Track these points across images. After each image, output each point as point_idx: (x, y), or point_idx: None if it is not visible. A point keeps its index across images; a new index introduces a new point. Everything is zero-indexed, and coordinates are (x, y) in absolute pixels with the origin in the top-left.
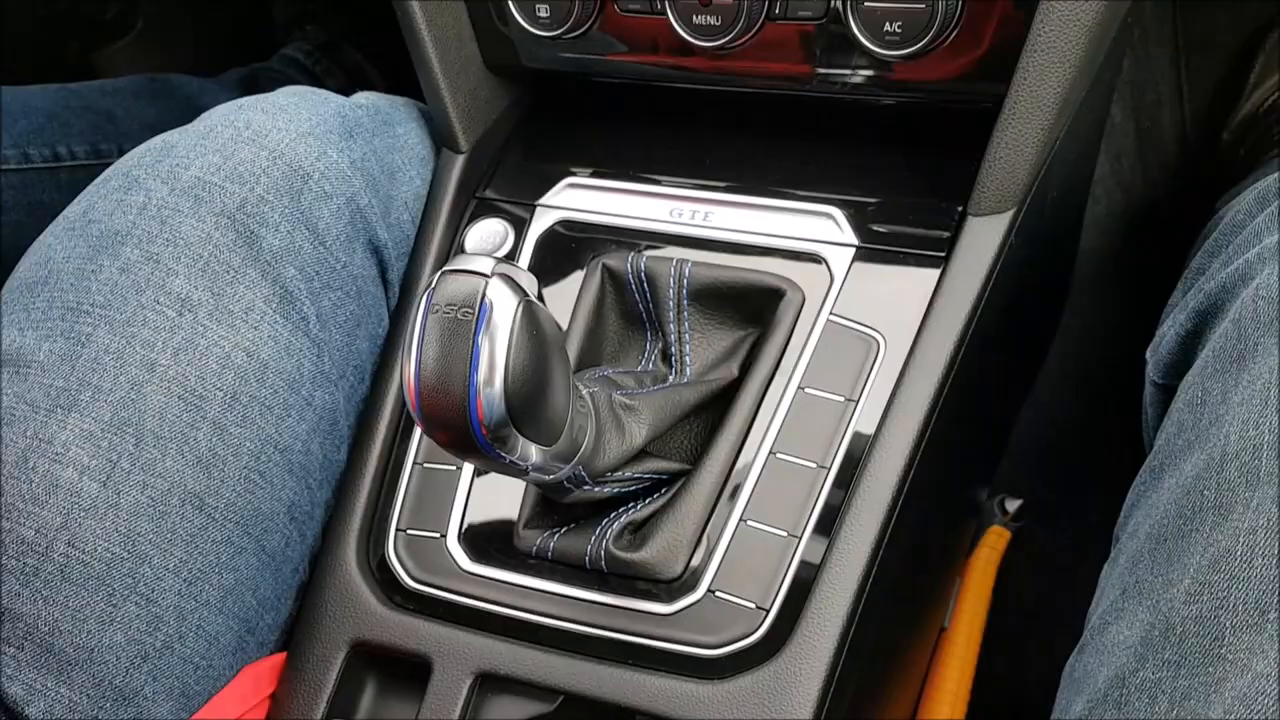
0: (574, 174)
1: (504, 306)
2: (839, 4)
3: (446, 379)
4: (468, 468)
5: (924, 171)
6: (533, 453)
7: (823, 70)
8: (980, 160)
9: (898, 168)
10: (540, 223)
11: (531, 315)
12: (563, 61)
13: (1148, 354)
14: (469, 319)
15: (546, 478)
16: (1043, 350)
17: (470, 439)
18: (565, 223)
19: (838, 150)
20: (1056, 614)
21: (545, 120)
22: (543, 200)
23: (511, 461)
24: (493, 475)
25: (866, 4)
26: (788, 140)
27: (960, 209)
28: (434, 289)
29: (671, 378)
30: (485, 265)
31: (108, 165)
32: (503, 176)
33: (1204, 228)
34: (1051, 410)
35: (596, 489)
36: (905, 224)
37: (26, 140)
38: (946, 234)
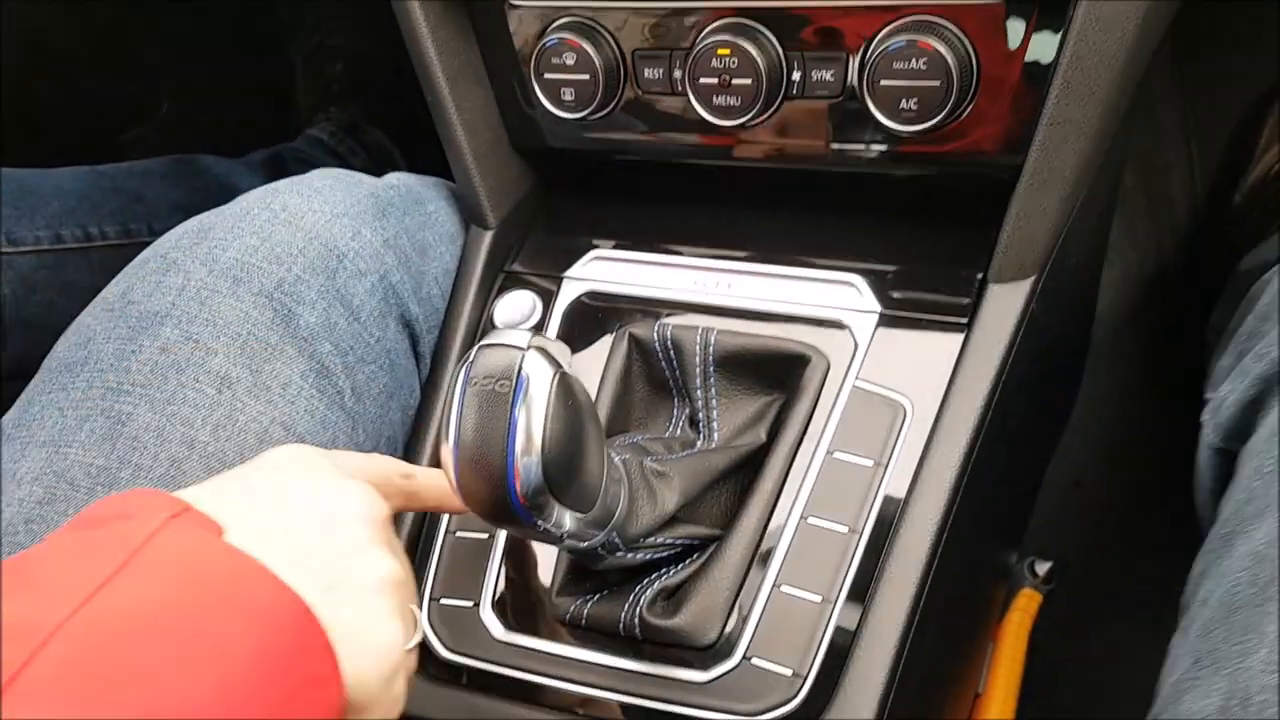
0: (599, 247)
1: (540, 379)
2: (855, 82)
3: (485, 449)
4: (500, 536)
5: (941, 239)
6: (568, 520)
7: (839, 146)
8: (998, 228)
9: (915, 236)
10: (567, 294)
11: (566, 386)
12: (587, 141)
13: (1204, 417)
14: (506, 391)
15: (581, 544)
16: (1066, 412)
17: (508, 507)
18: (591, 294)
19: (855, 220)
20: (1085, 676)
21: (569, 196)
22: (569, 272)
23: (548, 529)
24: (525, 543)
25: (883, 83)
26: (805, 211)
27: (980, 276)
28: (472, 362)
29: (700, 443)
30: (521, 339)
31: (138, 245)
32: (530, 250)
33: (1227, 283)
34: (1072, 472)
35: (629, 555)
36: (926, 291)
37: (59, 221)
38: (968, 301)
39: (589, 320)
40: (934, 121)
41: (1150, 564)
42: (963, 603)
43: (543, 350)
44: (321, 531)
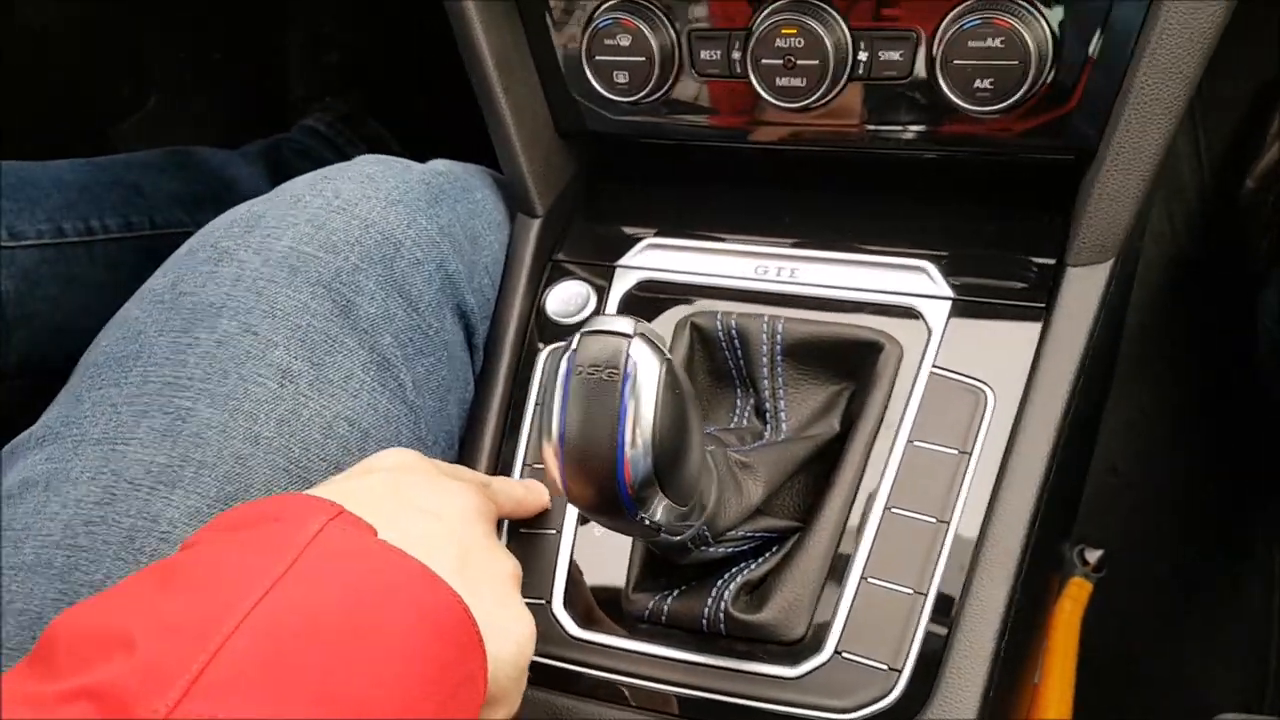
0: (652, 234)
1: (649, 367)
2: (927, 62)
3: (593, 440)
4: (568, 531)
5: (1007, 222)
6: (665, 513)
7: (906, 127)
8: (1064, 210)
9: (980, 218)
10: (621, 283)
11: (674, 375)
12: (638, 126)
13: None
14: (614, 380)
15: (674, 538)
16: (1105, 395)
17: (615, 500)
18: (647, 283)
19: (917, 202)
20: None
21: (616, 182)
22: (623, 261)
23: (648, 522)
24: (594, 538)
25: (956, 62)
26: (864, 194)
27: (1054, 261)
28: (575, 350)
29: (768, 434)
30: (627, 325)
31: (140, 238)
32: (578, 239)
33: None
34: (1107, 457)
35: (714, 549)
36: (999, 276)
37: (60, 214)
38: (1043, 285)
39: (645, 310)
40: (1010, 101)
41: (1192, 548)
42: (1034, 594)
43: (648, 337)
44: (450, 530)
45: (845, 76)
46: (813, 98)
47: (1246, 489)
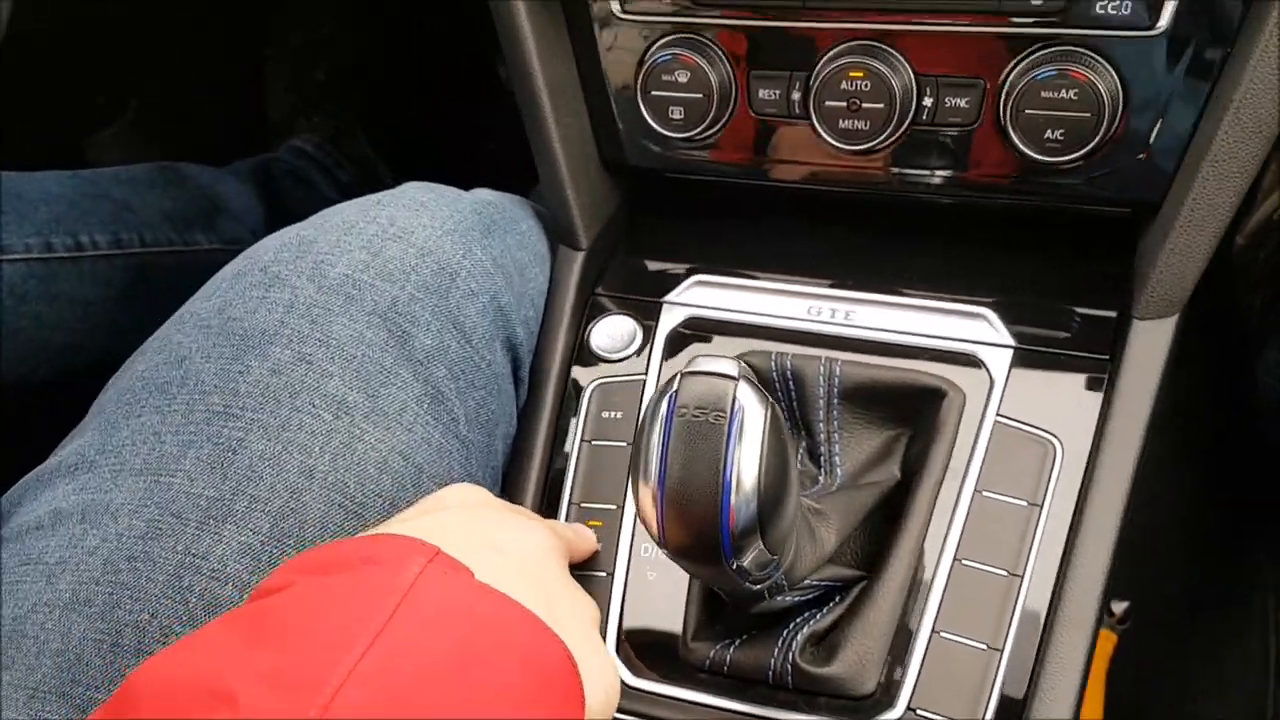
0: (701, 270)
1: (755, 411)
2: (996, 110)
3: (696, 484)
4: (619, 575)
5: (1066, 270)
6: (754, 560)
7: (967, 174)
8: (1123, 259)
9: (1040, 266)
10: (669, 320)
11: (777, 420)
12: (689, 162)
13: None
14: (720, 423)
15: (754, 587)
16: None
17: (715, 547)
18: (695, 320)
19: (975, 248)
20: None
21: (655, 216)
22: (670, 297)
23: (742, 570)
24: (647, 583)
25: (1028, 111)
26: (921, 238)
27: (1115, 313)
28: (678, 391)
29: (822, 478)
30: (731, 368)
31: (129, 255)
32: (620, 273)
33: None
34: None
35: (784, 597)
36: (1060, 326)
37: (49, 228)
38: (1107, 337)
39: (694, 348)
40: (1081, 152)
41: (1197, 567)
42: None
43: (752, 381)
44: (534, 569)
45: (909, 121)
46: (875, 141)
47: (1245, 515)
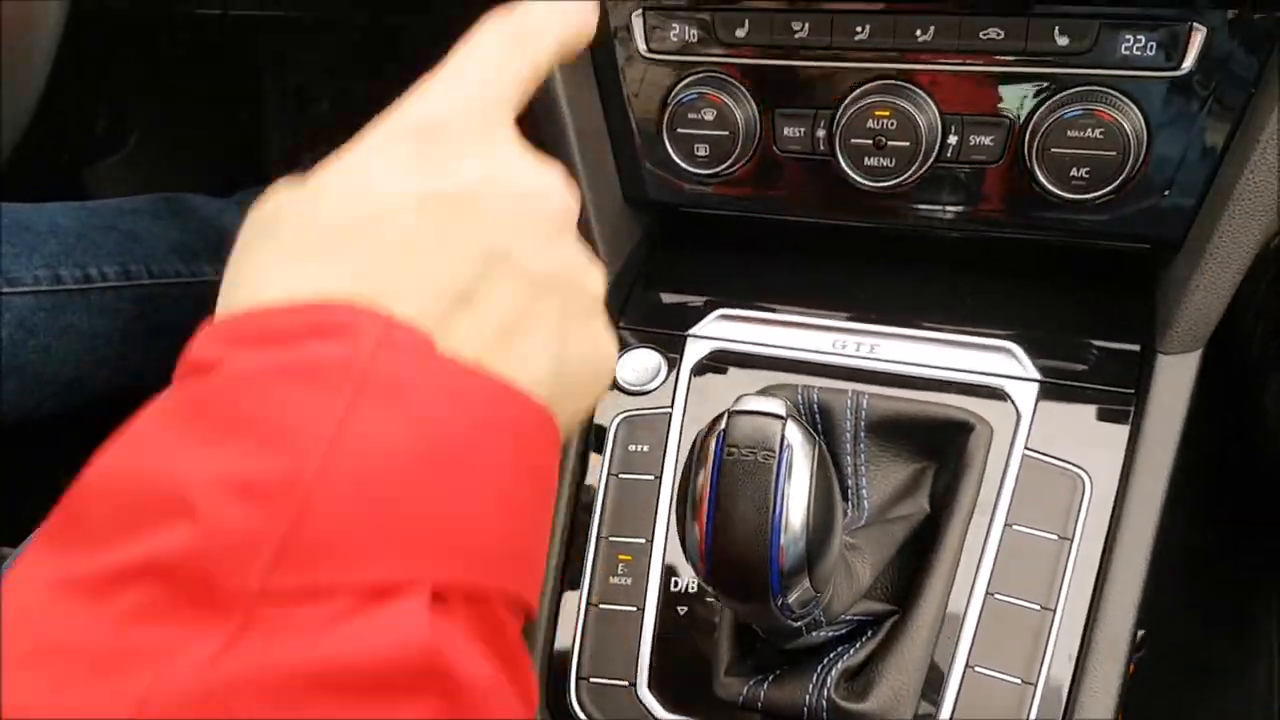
0: (724, 304)
1: (803, 450)
2: (1022, 148)
3: (746, 523)
4: (650, 608)
5: (1089, 304)
6: (798, 598)
7: (992, 210)
8: (1145, 293)
9: (1063, 300)
10: (693, 353)
11: (824, 459)
12: (714, 198)
13: None
14: (769, 462)
15: (794, 623)
16: None
17: (765, 585)
18: (720, 353)
19: (998, 282)
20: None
21: (679, 250)
22: (694, 331)
23: (788, 608)
24: (676, 617)
25: (1054, 150)
26: (944, 272)
27: (1139, 346)
28: (726, 430)
29: (849, 511)
30: (778, 407)
31: (138, 287)
32: (645, 307)
33: None
34: None
35: (821, 633)
36: (1085, 360)
37: (58, 260)
38: (1132, 371)
39: (720, 382)
40: (1106, 190)
41: (1211, 618)
42: None
43: (799, 420)
44: (510, 315)
45: (934, 159)
46: (900, 179)
47: (1248, 537)
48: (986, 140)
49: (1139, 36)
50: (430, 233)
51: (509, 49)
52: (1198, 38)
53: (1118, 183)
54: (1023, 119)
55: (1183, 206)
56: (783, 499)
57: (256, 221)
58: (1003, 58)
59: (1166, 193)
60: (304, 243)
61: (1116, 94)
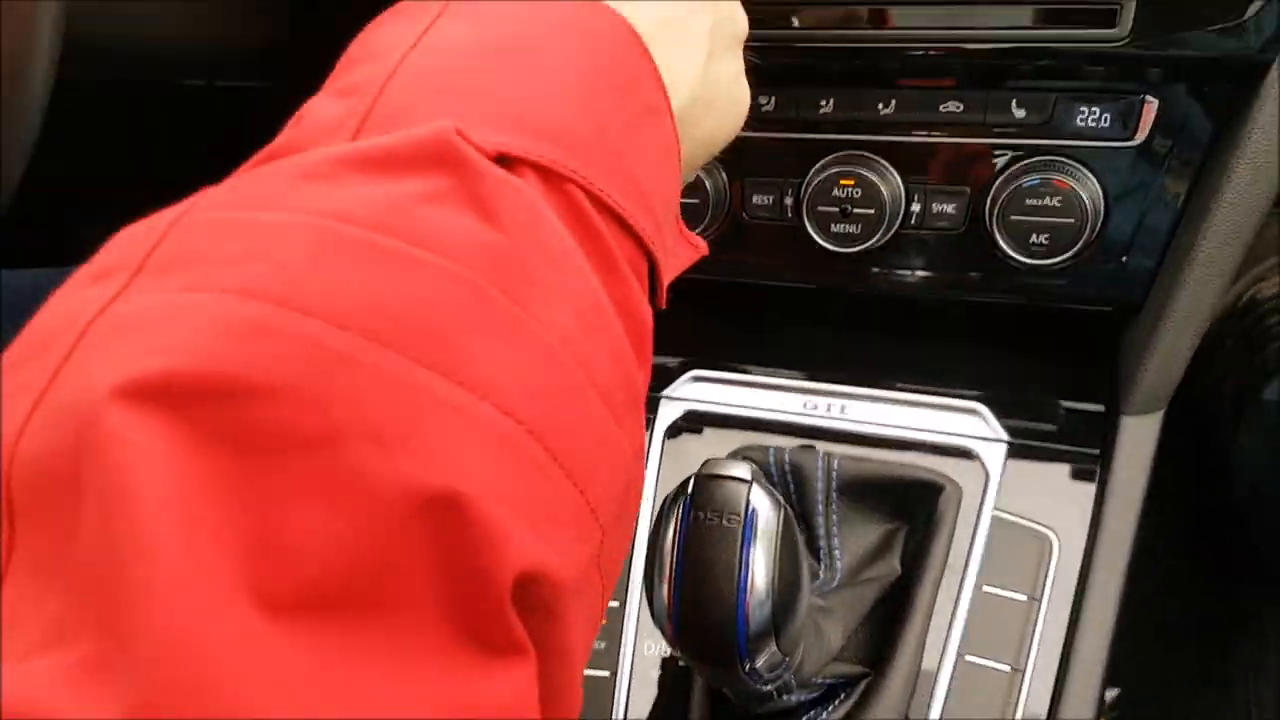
0: (697, 365)
1: (768, 514)
2: (982, 215)
3: (712, 587)
4: (624, 672)
5: (1051, 366)
6: (766, 662)
7: (954, 275)
8: (1107, 354)
9: (1023, 362)
10: (667, 414)
11: (790, 524)
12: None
13: None
14: (735, 526)
15: (763, 688)
16: None
17: (731, 649)
18: (693, 414)
19: (957, 344)
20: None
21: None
22: (668, 392)
23: (755, 672)
24: (649, 680)
25: (1014, 217)
26: (910, 335)
27: (1103, 407)
28: (692, 494)
29: (822, 572)
30: (744, 471)
31: None
32: None
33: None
34: None
35: (792, 696)
36: (1053, 420)
37: None
38: (1097, 431)
39: (692, 442)
40: (1065, 256)
41: (1185, 675)
42: None
43: (764, 484)
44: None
45: (898, 225)
46: (865, 244)
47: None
48: (949, 208)
49: (1094, 109)
50: None
51: None
52: (1151, 110)
53: (1076, 249)
54: (983, 187)
55: (1142, 270)
56: (748, 563)
57: None
58: (964, 129)
59: (1125, 258)
60: None
61: (1073, 163)
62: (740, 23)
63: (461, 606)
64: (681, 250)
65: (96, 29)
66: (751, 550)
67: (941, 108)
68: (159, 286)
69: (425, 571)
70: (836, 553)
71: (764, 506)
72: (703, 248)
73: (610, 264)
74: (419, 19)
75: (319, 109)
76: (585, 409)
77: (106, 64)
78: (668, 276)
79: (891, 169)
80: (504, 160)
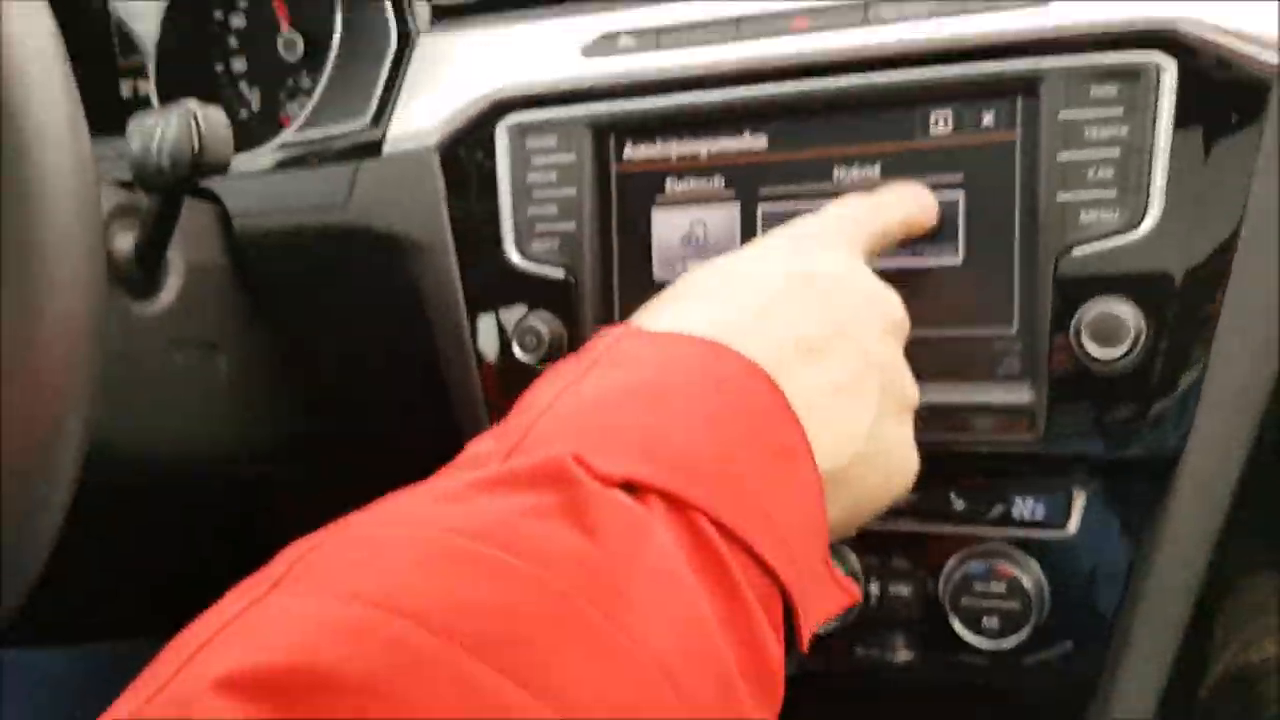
0: None
1: None
2: (936, 598)
3: None
4: None
5: None
6: None
7: (914, 657)
8: None
9: None
10: None
11: None
12: None
13: None
14: None
15: None
16: None
17: None
18: None
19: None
20: None
21: None
22: None
23: None
24: None
25: (965, 601)
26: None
27: None
28: None
29: None
30: None
31: None
32: None
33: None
34: None
35: None
36: None
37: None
38: None
39: None
40: (1017, 639)
41: None
42: None
43: None
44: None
45: (858, 611)
46: (833, 626)
47: None
48: (904, 591)
49: (1027, 499)
50: (788, 297)
51: (867, 208)
52: (1080, 499)
53: (1026, 632)
54: (936, 574)
55: (1094, 650)
56: None
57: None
58: (912, 520)
59: (1074, 640)
60: (685, 293)
61: (1018, 551)
62: (910, 390)
63: None
64: (830, 593)
65: (121, 440)
66: None
67: None
68: (289, 593)
69: None
70: None
71: None
72: (855, 592)
73: (730, 591)
74: (570, 373)
75: (476, 446)
76: None
77: (126, 470)
78: (811, 618)
79: (850, 552)
80: (631, 488)
